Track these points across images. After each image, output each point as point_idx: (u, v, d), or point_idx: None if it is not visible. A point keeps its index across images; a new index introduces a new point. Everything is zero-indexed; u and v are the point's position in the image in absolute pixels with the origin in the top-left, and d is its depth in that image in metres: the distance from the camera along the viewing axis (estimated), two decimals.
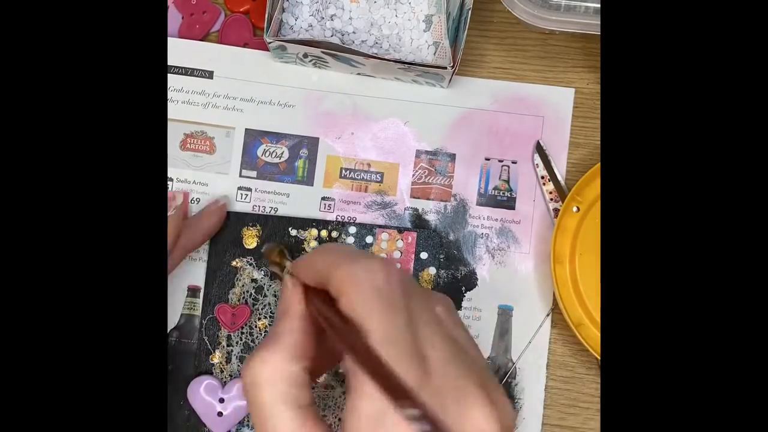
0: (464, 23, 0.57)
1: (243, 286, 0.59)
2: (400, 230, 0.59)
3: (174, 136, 0.61)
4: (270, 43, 0.57)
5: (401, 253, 0.59)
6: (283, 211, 0.60)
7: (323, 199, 0.60)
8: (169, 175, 0.60)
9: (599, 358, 0.56)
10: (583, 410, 0.57)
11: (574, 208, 0.58)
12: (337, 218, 0.60)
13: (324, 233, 0.59)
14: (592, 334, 0.56)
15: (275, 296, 0.58)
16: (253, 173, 0.61)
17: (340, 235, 0.59)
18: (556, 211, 0.59)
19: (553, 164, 0.59)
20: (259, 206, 0.60)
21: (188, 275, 0.59)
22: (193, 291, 0.59)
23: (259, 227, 0.59)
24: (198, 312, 0.59)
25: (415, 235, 0.59)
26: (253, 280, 0.59)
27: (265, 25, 0.57)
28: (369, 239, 0.59)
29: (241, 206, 0.60)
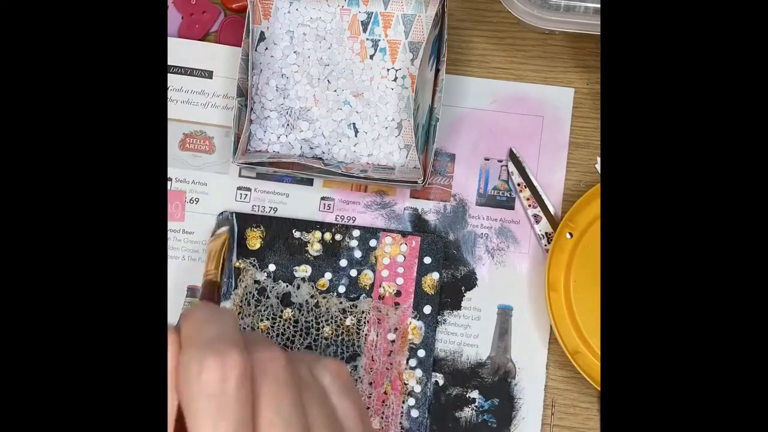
0: (434, 132, 0.57)
1: (246, 287, 0.59)
2: (404, 234, 0.59)
3: (174, 135, 0.61)
4: (240, 164, 0.58)
5: (404, 257, 0.59)
6: (283, 211, 0.60)
7: (323, 199, 0.60)
8: (168, 174, 0.60)
9: (598, 388, 0.55)
10: (583, 410, 0.57)
11: (568, 235, 0.57)
12: (336, 218, 0.60)
13: (328, 236, 0.59)
14: (589, 362, 0.56)
15: (278, 298, 0.58)
16: (253, 173, 0.61)
17: (343, 238, 0.59)
18: (536, 216, 0.59)
19: (527, 170, 0.59)
20: (258, 206, 0.60)
21: (188, 275, 0.59)
22: (192, 291, 0.59)
23: (263, 228, 0.59)
24: None
25: (419, 239, 0.59)
26: (256, 282, 0.59)
27: (232, 147, 0.58)
28: (373, 243, 0.59)
29: (240, 206, 0.60)
